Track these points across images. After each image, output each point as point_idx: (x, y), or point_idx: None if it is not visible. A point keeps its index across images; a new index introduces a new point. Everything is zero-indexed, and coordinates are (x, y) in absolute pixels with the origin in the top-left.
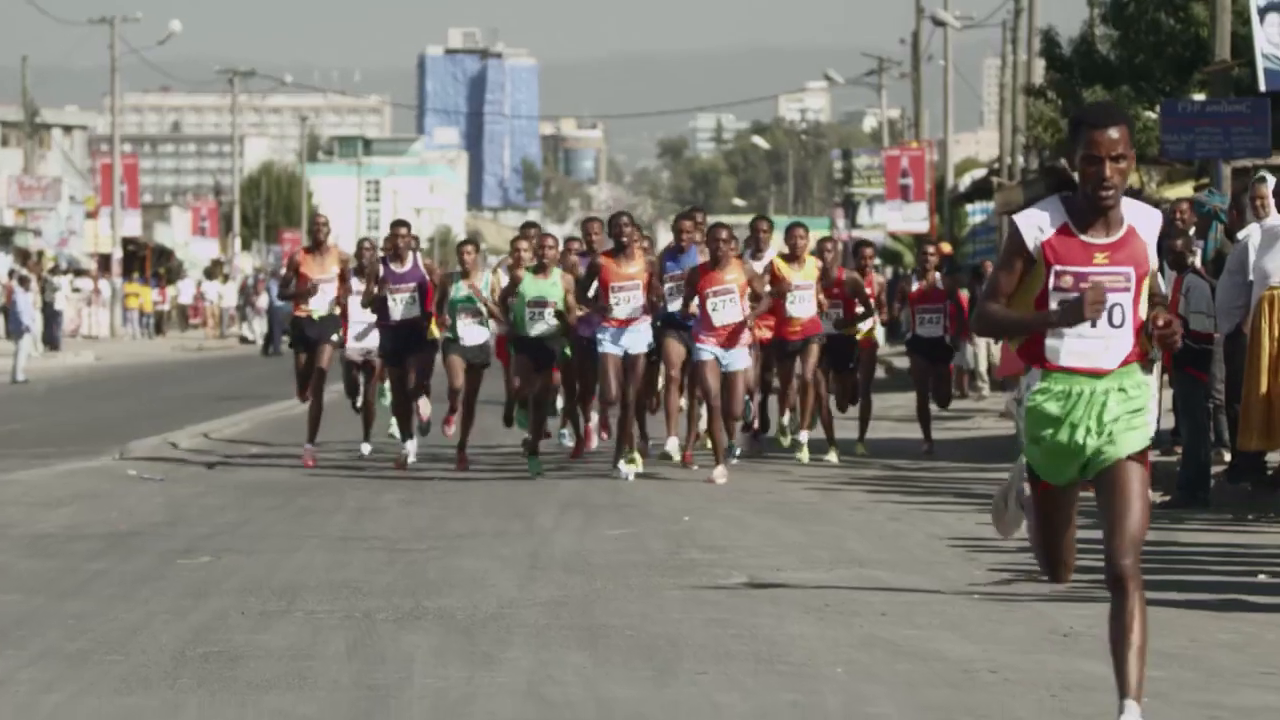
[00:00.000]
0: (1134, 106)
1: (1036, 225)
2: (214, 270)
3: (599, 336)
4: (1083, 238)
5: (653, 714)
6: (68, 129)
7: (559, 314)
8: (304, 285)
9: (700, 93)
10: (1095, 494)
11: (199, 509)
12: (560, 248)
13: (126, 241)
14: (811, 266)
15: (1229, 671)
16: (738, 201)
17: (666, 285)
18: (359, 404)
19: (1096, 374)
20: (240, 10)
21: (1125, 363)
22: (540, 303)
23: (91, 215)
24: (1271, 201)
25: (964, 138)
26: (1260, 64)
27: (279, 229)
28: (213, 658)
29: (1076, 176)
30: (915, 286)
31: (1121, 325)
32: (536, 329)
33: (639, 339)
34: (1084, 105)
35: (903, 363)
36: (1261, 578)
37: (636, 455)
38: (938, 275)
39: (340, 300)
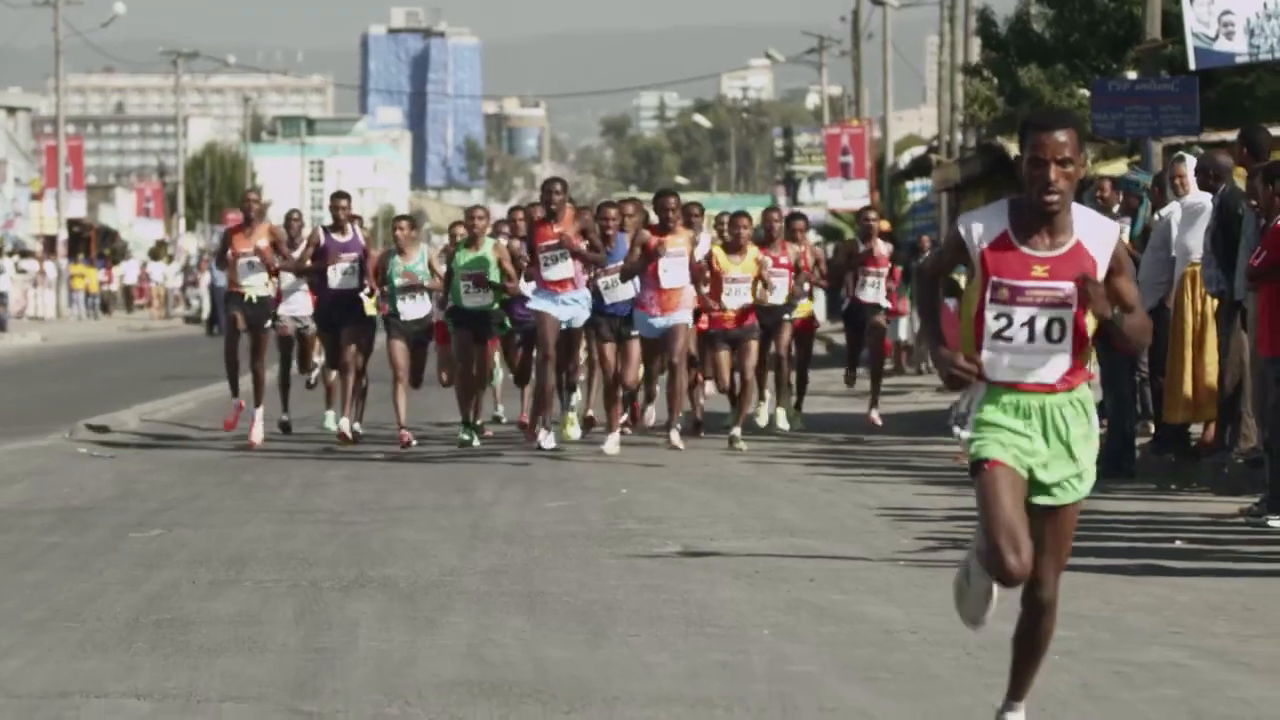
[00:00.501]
0: (1069, 84)
1: (976, 231)
2: (159, 251)
3: (534, 297)
4: (1022, 249)
5: (587, 674)
6: (11, 110)
7: (492, 282)
8: (270, 259)
9: (643, 71)
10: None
11: (148, 485)
12: (490, 220)
13: (71, 223)
14: (751, 260)
15: (1140, 632)
16: (680, 180)
17: (601, 280)
18: (313, 379)
19: (1042, 390)
20: None
21: (1071, 381)
22: (473, 273)
23: (37, 197)
24: (1191, 180)
25: (907, 114)
26: (1190, 43)
27: (223, 209)
28: (165, 624)
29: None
30: (861, 249)
31: (1060, 341)
32: (471, 300)
33: (578, 311)
34: (1035, 111)
35: (842, 339)
36: (1178, 543)
37: (571, 423)
38: (879, 241)
39: (273, 274)
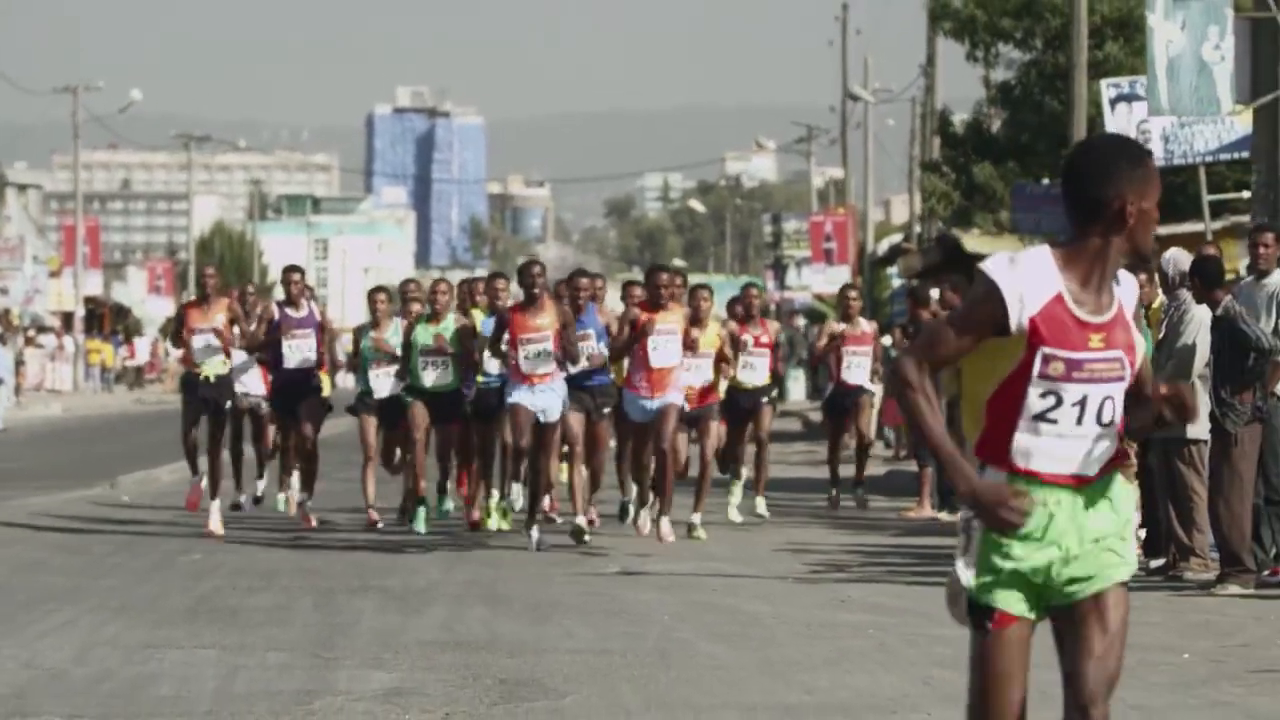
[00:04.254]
0: (1024, 179)
1: (1024, 292)
2: (169, 328)
3: (508, 391)
4: (1078, 312)
5: (526, 638)
6: (22, 188)
7: (454, 356)
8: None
9: (648, 150)
10: (1057, 627)
11: (186, 524)
12: (453, 294)
13: (87, 300)
14: (713, 333)
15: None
16: (679, 262)
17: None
18: (271, 451)
19: (1076, 483)
20: (189, 66)
21: (1107, 469)
22: (433, 350)
23: (55, 274)
24: None
25: (896, 200)
26: None
27: (230, 287)
28: (217, 610)
29: (1126, 233)
30: (840, 329)
31: (1111, 424)
32: (430, 378)
33: (553, 401)
34: (1111, 142)
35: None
36: None
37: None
38: (863, 320)
39: (228, 352)
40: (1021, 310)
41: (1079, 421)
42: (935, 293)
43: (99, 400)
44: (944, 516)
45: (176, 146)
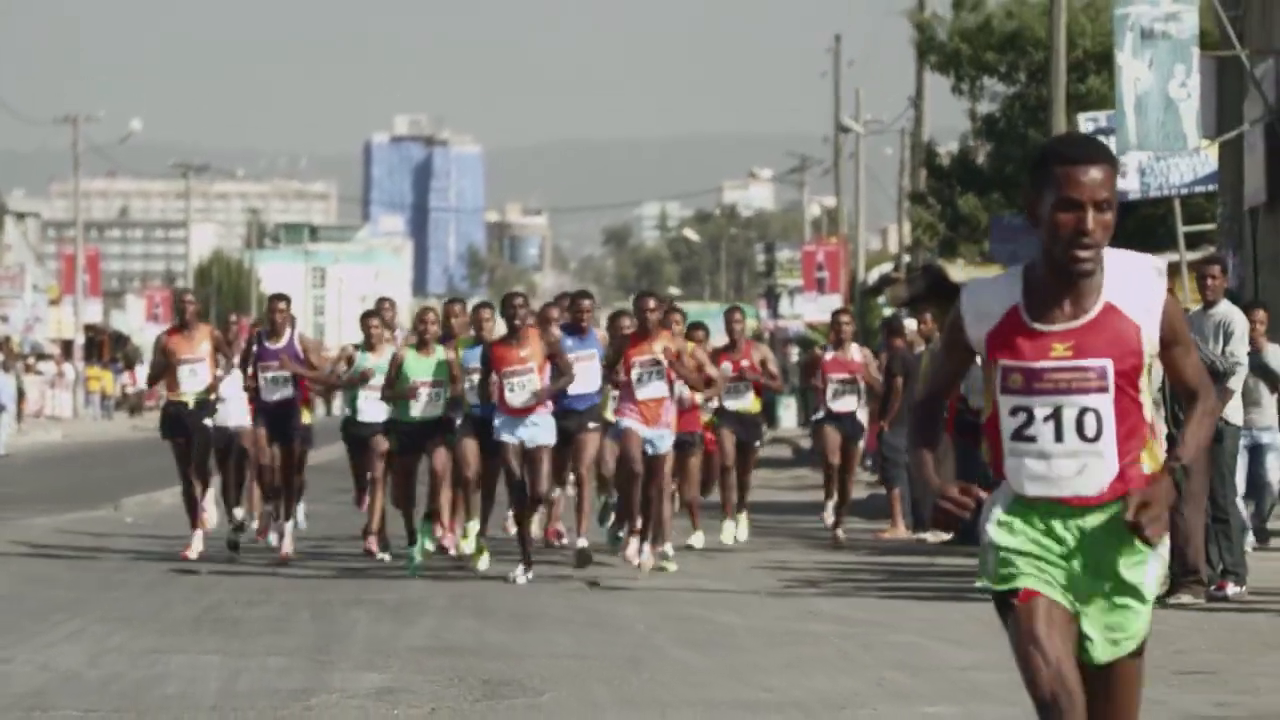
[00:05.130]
0: (1003, 212)
1: (980, 308)
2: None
3: (495, 425)
4: (1034, 323)
5: (510, 645)
6: (20, 216)
7: (440, 384)
8: (220, 383)
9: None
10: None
11: (183, 543)
12: (439, 324)
13: (87, 328)
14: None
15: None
16: (673, 290)
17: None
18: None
19: (1078, 505)
20: (186, 94)
21: (1118, 490)
22: (422, 382)
23: (54, 303)
24: None
25: (892, 228)
26: None
27: (229, 315)
28: (220, 621)
29: (1042, 235)
30: (829, 356)
31: (1097, 438)
32: (417, 410)
33: (540, 432)
34: (1054, 138)
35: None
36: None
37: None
38: (854, 346)
39: (214, 383)
40: (978, 325)
41: (1058, 438)
42: (912, 323)
43: (99, 427)
44: (927, 537)
45: (174, 175)
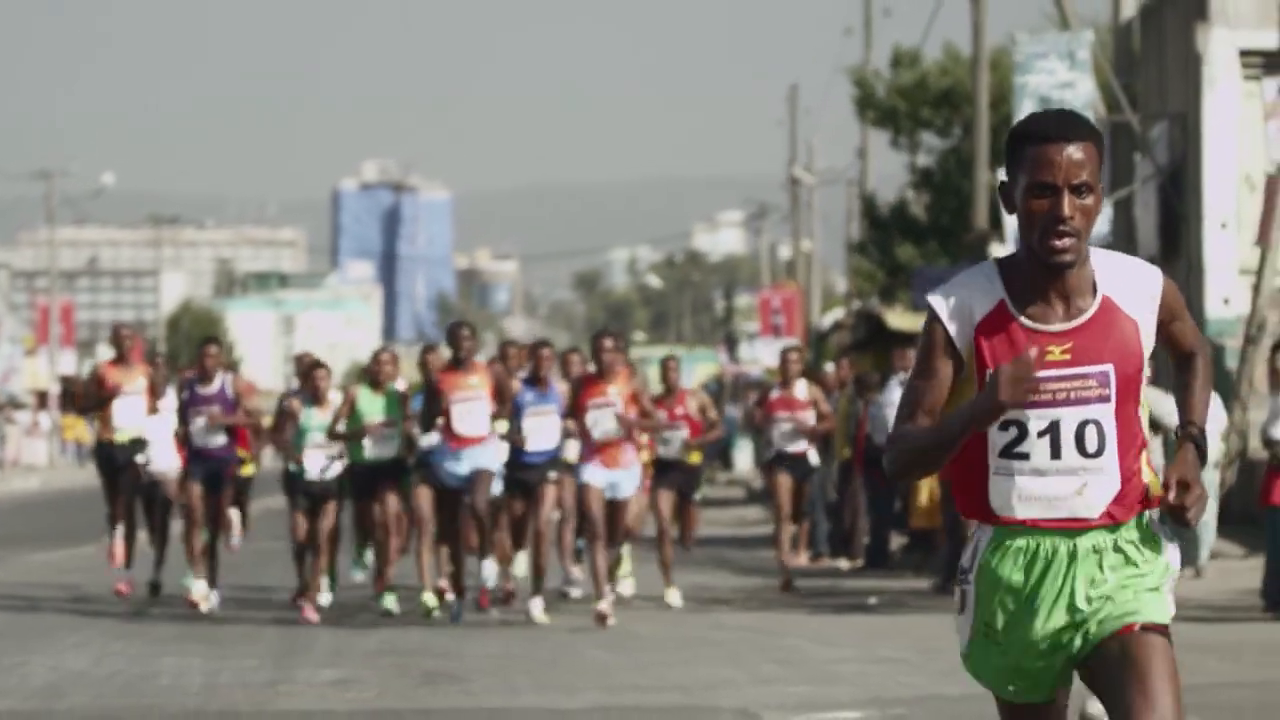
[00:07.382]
0: (939, 260)
1: (960, 309)
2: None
3: (436, 457)
4: (1025, 322)
5: (449, 648)
6: None
7: (392, 424)
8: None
9: (615, 222)
10: (1093, 680)
11: (167, 572)
12: (398, 364)
13: (62, 378)
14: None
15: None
16: (638, 335)
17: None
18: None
19: (1073, 528)
20: (155, 140)
21: (1115, 515)
22: (376, 422)
23: (30, 353)
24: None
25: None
26: (1008, 233)
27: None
28: (202, 634)
29: (1016, 226)
30: (775, 395)
31: (1099, 453)
32: (371, 451)
33: (485, 458)
34: (1028, 115)
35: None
36: (872, 600)
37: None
38: (802, 383)
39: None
40: (962, 325)
41: (1055, 454)
42: (830, 366)
43: (74, 474)
44: (840, 565)
45: (143, 223)
